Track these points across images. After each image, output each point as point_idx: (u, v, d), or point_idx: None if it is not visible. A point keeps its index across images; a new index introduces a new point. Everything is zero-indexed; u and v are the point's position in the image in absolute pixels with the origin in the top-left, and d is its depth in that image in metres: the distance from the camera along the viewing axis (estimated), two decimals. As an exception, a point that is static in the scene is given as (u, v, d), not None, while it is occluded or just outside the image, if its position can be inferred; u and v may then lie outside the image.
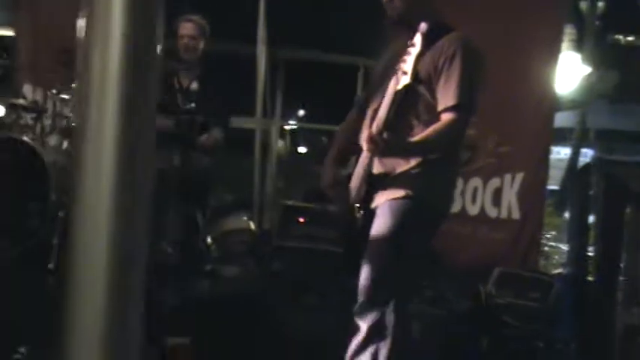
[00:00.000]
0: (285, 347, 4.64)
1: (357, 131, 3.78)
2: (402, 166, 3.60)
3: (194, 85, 5.76)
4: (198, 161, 5.71)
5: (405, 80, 3.42)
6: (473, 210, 6.66)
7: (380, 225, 3.60)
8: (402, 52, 3.49)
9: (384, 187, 3.62)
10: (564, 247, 8.41)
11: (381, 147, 3.46)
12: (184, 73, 5.81)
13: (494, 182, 6.67)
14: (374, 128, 3.49)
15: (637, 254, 5.96)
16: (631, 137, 16.16)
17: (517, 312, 5.85)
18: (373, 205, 3.65)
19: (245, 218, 6.13)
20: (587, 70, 11.59)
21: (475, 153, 6.51)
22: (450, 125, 3.53)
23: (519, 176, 6.62)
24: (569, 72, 11.53)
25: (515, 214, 6.65)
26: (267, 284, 5.23)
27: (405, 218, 3.59)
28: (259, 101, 7.44)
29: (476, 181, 6.67)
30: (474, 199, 6.67)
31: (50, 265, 5.18)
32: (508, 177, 6.66)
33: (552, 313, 5.90)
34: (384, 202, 3.61)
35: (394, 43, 3.81)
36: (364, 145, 3.53)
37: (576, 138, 14.11)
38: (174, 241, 5.44)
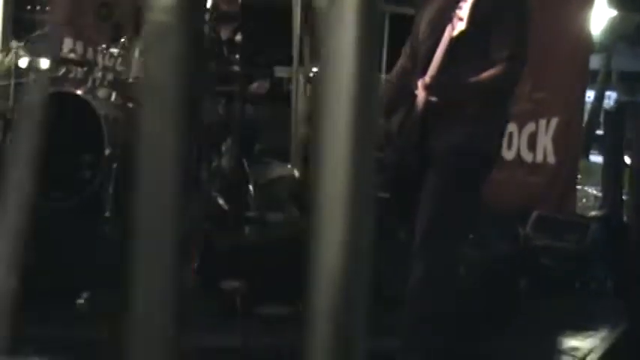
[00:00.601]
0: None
1: (406, 80, 3.88)
2: (455, 113, 3.69)
3: (237, 37, 5.88)
4: (244, 111, 5.88)
5: (460, 26, 3.49)
6: (509, 155, 6.78)
7: (435, 172, 3.71)
8: None
9: (438, 135, 3.72)
10: (591, 190, 8.56)
11: (436, 93, 3.56)
12: (225, 25, 5.93)
13: (530, 127, 6.79)
14: (429, 74, 3.58)
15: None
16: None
17: (554, 254, 6.02)
18: (426, 152, 3.74)
19: (289, 166, 6.29)
20: (612, 12, 11.60)
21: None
22: (506, 74, 3.63)
23: (554, 121, 6.74)
24: (595, 14, 11.57)
25: (551, 159, 6.78)
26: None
27: (459, 166, 3.72)
28: (295, 50, 7.53)
29: (511, 127, 6.76)
30: (509, 145, 6.79)
31: (107, 214, 5.36)
32: (543, 122, 6.78)
33: (589, 255, 6.06)
34: (437, 149, 3.71)
35: None
36: (419, 91, 3.62)
37: (600, 81, 14.15)
38: (223, 189, 5.61)
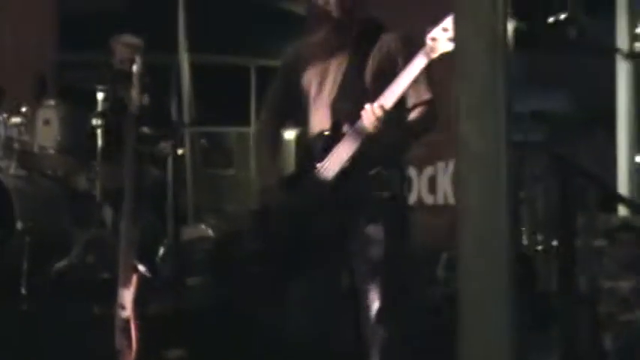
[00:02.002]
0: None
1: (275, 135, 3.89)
2: (375, 161, 3.63)
3: (144, 100, 5.76)
4: (148, 172, 5.78)
5: (447, 47, 3.46)
6: (410, 199, 6.86)
7: (371, 220, 3.66)
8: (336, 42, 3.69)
9: (364, 184, 3.65)
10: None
11: (382, 123, 3.48)
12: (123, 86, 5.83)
13: (429, 171, 6.90)
14: (378, 108, 3.45)
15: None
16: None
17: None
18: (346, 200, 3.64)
19: (203, 226, 6.16)
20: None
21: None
22: (435, 114, 3.69)
23: (452, 163, 6.87)
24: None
25: (452, 200, 6.90)
26: (248, 290, 5.29)
27: (398, 211, 3.74)
28: (186, 109, 7.49)
29: (410, 171, 6.88)
30: (410, 188, 6.88)
31: (23, 291, 5.11)
32: (441, 165, 6.90)
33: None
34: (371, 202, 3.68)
35: (315, 35, 3.83)
36: (368, 124, 3.50)
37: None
38: (141, 256, 5.43)
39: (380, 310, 3.65)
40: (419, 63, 3.47)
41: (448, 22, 3.40)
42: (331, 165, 3.60)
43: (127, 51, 5.93)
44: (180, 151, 7.29)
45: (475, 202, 1.05)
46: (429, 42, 3.43)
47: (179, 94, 7.58)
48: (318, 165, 3.62)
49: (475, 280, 1.08)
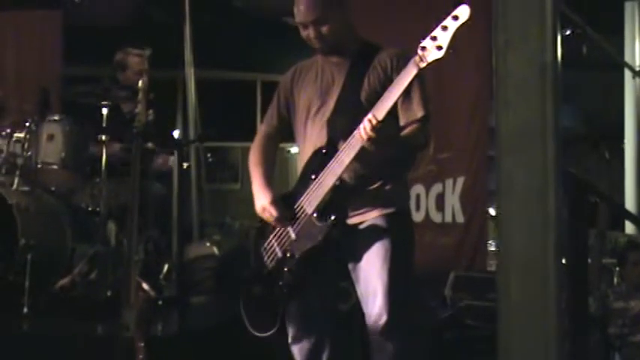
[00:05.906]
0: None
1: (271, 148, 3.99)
2: (374, 177, 3.67)
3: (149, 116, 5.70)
4: (151, 187, 5.72)
5: (437, 54, 3.40)
6: (418, 217, 6.79)
7: (375, 237, 3.66)
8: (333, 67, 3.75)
9: (367, 201, 3.68)
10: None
11: (375, 133, 3.45)
12: (128, 101, 5.77)
13: (437, 188, 6.83)
14: (371, 119, 3.43)
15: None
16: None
17: (477, 313, 6.00)
18: (357, 220, 3.69)
19: (208, 244, 6.08)
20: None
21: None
22: (426, 131, 3.71)
23: (460, 180, 6.80)
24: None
25: (460, 218, 6.82)
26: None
27: (402, 227, 3.72)
28: (191, 124, 7.43)
29: (418, 188, 6.82)
30: (418, 206, 6.82)
31: (25, 310, 5.02)
32: (449, 182, 6.83)
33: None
34: (374, 217, 3.66)
35: (311, 58, 3.92)
36: (360, 135, 3.47)
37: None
38: (145, 274, 5.35)
39: (385, 325, 3.62)
40: (409, 73, 3.43)
41: (437, 31, 3.36)
42: (326, 179, 3.61)
43: (139, 62, 5.88)
44: (184, 166, 7.21)
45: (521, 246, 0.98)
46: (419, 52, 3.38)
47: (184, 110, 7.52)
48: (313, 180, 3.65)
49: (520, 329, 1.02)
